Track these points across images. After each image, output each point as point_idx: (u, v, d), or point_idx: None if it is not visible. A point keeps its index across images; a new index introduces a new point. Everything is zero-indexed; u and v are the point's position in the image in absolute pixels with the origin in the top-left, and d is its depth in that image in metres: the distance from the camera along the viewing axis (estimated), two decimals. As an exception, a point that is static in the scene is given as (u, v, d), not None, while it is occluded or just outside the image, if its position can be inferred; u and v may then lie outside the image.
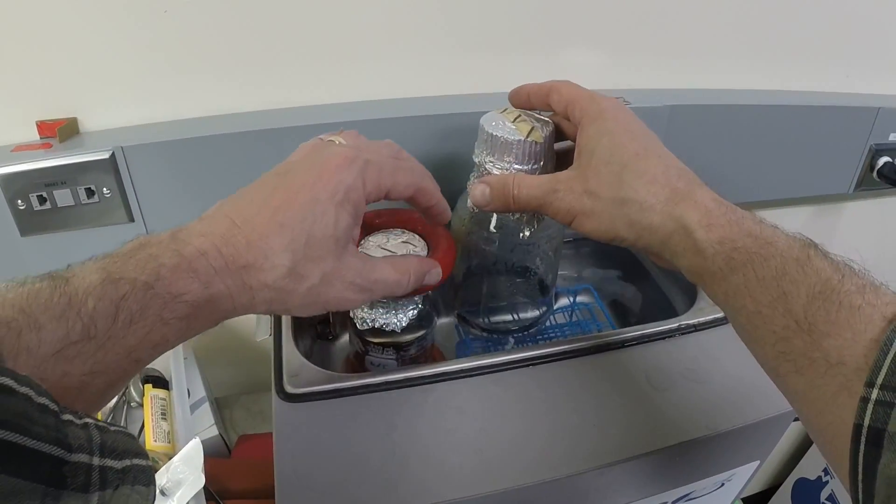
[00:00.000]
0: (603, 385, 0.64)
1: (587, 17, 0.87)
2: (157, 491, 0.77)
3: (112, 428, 0.35)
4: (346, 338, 0.82)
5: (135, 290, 0.41)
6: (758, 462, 0.73)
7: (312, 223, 0.48)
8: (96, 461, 0.32)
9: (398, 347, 0.68)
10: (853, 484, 0.38)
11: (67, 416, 0.32)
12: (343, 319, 0.75)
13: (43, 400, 0.31)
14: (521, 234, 0.65)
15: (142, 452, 0.37)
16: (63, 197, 0.75)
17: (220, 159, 0.78)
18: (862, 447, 0.38)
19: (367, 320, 0.66)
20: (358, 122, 0.79)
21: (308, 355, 0.66)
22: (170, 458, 0.76)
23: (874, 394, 0.37)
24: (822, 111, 1.03)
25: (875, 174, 1.12)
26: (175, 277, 0.43)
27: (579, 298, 0.92)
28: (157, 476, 0.76)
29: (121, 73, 0.76)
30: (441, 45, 0.84)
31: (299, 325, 0.71)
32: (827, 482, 1.69)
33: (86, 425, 0.33)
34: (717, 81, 1.00)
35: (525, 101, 0.64)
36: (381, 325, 0.65)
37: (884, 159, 1.10)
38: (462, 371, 0.64)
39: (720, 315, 0.72)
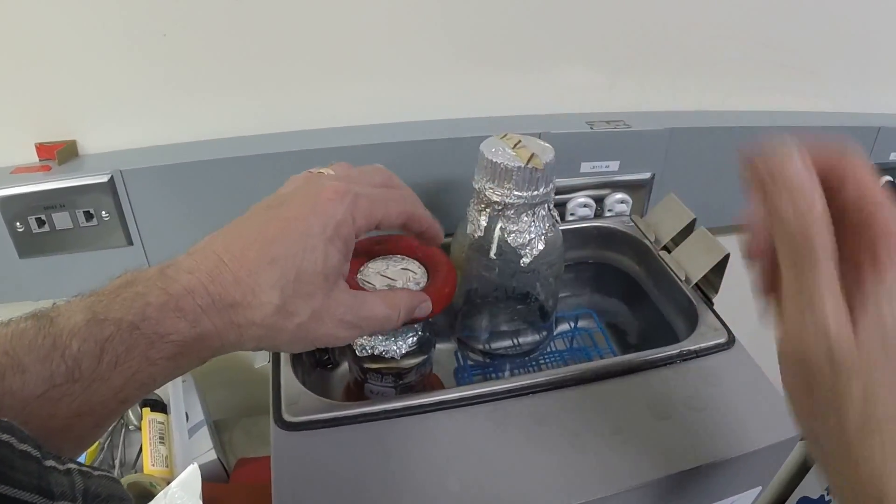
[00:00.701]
0: (603, 414, 0.63)
1: (586, 38, 0.87)
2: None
3: (96, 473, 0.35)
4: (345, 366, 0.82)
5: (120, 330, 0.40)
6: (759, 488, 0.72)
7: (302, 259, 0.48)
8: None
9: (398, 374, 0.67)
10: None
11: (50, 463, 0.32)
12: (342, 347, 0.75)
13: (25, 447, 0.31)
14: (522, 261, 0.65)
15: (126, 497, 0.37)
16: (62, 220, 0.75)
17: (219, 183, 0.78)
18: None
19: (367, 347, 0.65)
20: (357, 146, 0.79)
21: (306, 383, 0.65)
22: (168, 483, 0.75)
23: None
24: (822, 131, 1.03)
25: (876, 194, 1.11)
26: (162, 317, 0.42)
27: (580, 323, 0.92)
28: (155, 502, 0.76)
29: (120, 96, 0.76)
30: (438, 68, 0.84)
31: (298, 353, 0.70)
32: (829, 501, 1.68)
33: (69, 471, 0.33)
34: (717, 102, 1.00)
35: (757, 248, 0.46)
36: (381, 353, 0.65)
37: (885, 178, 1.10)
38: (461, 400, 0.63)
39: (722, 340, 0.72)
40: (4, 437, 0.30)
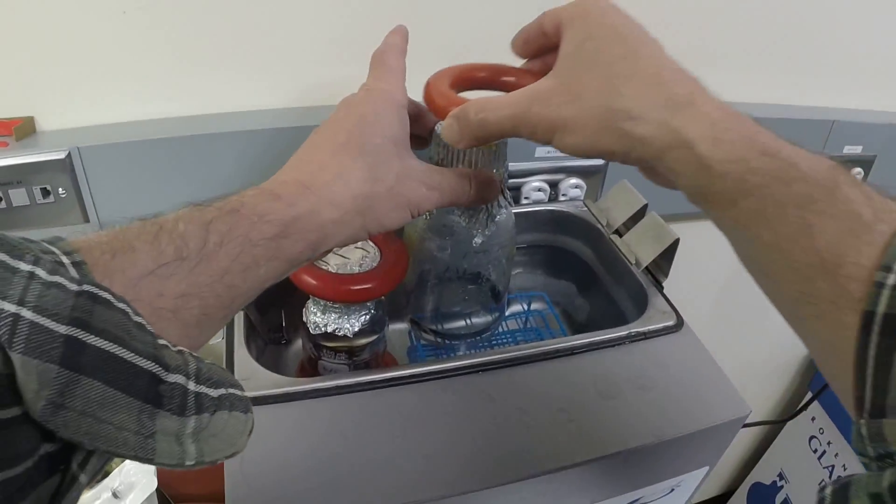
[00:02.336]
0: (551, 392, 0.65)
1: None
2: (110, 494, 0.77)
3: (207, 360, 0.35)
4: (299, 344, 0.83)
5: (222, 214, 0.41)
6: (707, 468, 0.74)
7: (370, 134, 0.51)
8: (192, 386, 0.32)
9: (350, 352, 0.68)
10: (859, 380, 0.35)
11: (163, 341, 0.32)
12: (296, 324, 0.75)
13: (139, 319, 0.31)
14: (474, 241, 0.66)
15: (237, 384, 0.37)
16: (19, 196, 0.75)
17: (177, 161, 0.78)
18: (874, 337, 0.34)
19: (320, 325, 0.66)
20: (312, 126, 0.80)
21: (260, 360, 0.66)
22: (123, 461, 0.76)
23: (891, 279, 0.34)
24: (775, 123, 1.03)
25: (829, 186, 1.13)
26: (258, 202, 0.43)
27: (533, 305, 0.93)
28: (109, 479, 0.76)
29: (78, 74, 0.76)
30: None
31: (252, 330, 0.71)
32: (782, 486, 1.72)
33: (181, 352, 0.33)
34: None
35: (522, 45, 0.57)
36: (334, 330, 0.66)
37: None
38: (412, 376, 0.64)
39: (670, 323, 0.73)
40: (121, 305, 0.30)
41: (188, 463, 0.32)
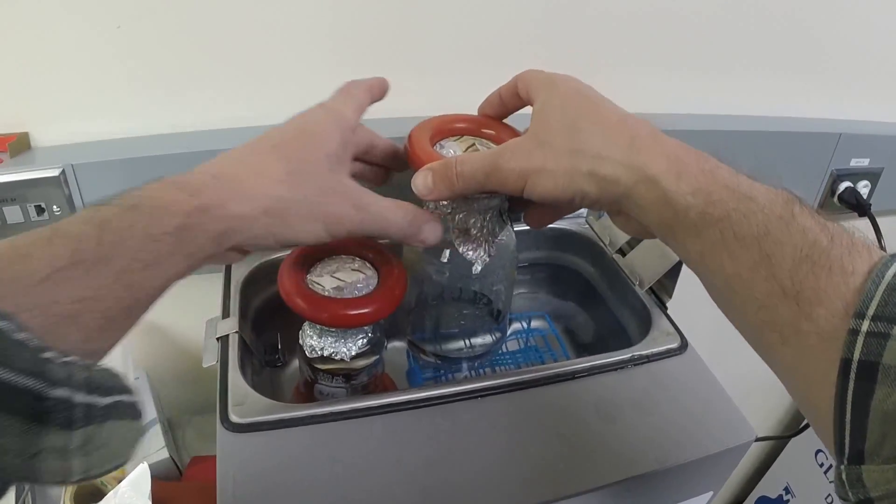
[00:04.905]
0: (552, 418, 0.63)
1: (542, 42, 0.87)
2: None
3: (96, 367, 0.34)
4: (295, 366, 0.81)
5: (120, 211, 0.40)
6: (710, 493, 0.73)
7: (305, 143, 0.51)
8: (80, 398, 0.31)
9: (348, 375, 0.67)
10: (839, 425, 0.36)
11: (49, 354, 0.31)
12: (292, 346, 0.74)
13: (22, 335, 0.30)
14: (473, 268, 0.64)
15: (128, 389, 0.36)
16: (13, 213, 0.74)
17: (172, 179, 0.77)
18: (851, 383, 0.36)
19: (317, 348, 0.65)
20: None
21: (255, 383, 0.65)
22: (119, 482, 0.75)
23: (865, 325, 0.36)
24: (783, 136, 1.03)
25: (836, 199, 1.13)
26: (161, 193, 0.42)
27: (534, 324, 0.92)
28: (105, 501, 0.75)
29: (72, 90, 0.75)
30: (405, 65, 0.84)
31: (247, 352, 0.70)
32: (788, 501, 1.70)
33: (68, 363, 0.32)
34: (675, 106, 1.00)
35: (498, 103, 0.62)
36: (331, 354, 0.65)
37: (845, 184, 1.11)
38: (410, 402, 0.63)
39: (674, 345, 0.72)
40: (2, 324, 0.29)
41: (73, 479, 0.32)
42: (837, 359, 0.37)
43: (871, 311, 0.36)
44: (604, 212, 0.95)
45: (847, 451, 0.36)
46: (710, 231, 0.43)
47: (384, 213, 0.54)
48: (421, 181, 0.55)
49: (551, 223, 0.61)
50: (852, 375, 0.36)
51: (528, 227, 0.71)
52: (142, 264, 0.40)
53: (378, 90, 0.61)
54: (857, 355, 0.36)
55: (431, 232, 0.57)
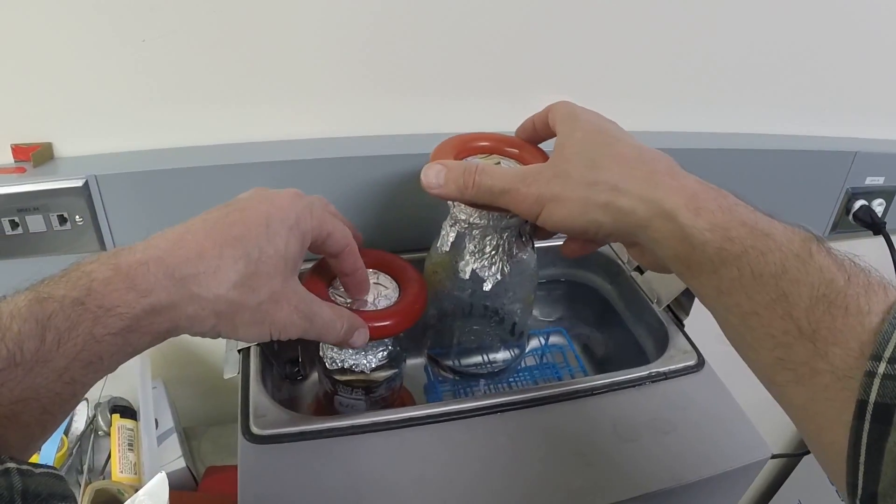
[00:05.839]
0: (569, 434, 0.64)
1: (550, 63, 0.88)
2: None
3: (38, 471, 0.34)
4: (315, 377, 0.82)
5: (63, 307, 0.39)
6: (726, 510, 0.73)
7: (266, 242, 0.48)
8: None
9: (367, 388, 0.67)
10: (852, 466, 0.36)
11: None
12: (312, 359, 0.75)
13: None
14: (484, 286, 0.65)
15: (69, 495, 0.36)
16: (35, 223, 0.75)
17: (194, 192, 0.78)
18: (867, 425, 0.36)
19: (337, 360, 0.65)
20: (333, 159, 0.79)
21: (276, 395, 0.65)
22: (136, 491, 0.75)
23: (881, 368, 0.36)
24: (798, 155, 1.03)
25: (851, 217, 1.12)
26: (107, 290, 0.41)
27: (552, 340, 0.92)
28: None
29: (97, 101, 0.75)
30: (413, 87, 0.84)
31: (268, 364, 0.70)
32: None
33: (7, 471, 0.32)
34: (692, 125, 1.00)
35: (531, 129, 0.63)
36: (351, 366, 0.65)
37: (860, 202, 1.11)
38: (429, 416, 0.63)
39: (691, 363, 0.72)
40: None
41: None
42: (852, 399, 0.37)
43: (888, 353, 0.36)
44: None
45: (860, 492, 0.36)
46: (728, 268, 0.43)
47: (326, 323, 0.55)
48: (433, 174, 0.56)
49: (583, 254, 0.60)
50: (868, 417, 0.36)
51: (545, 245, 0.72)
52: (82, 363, 0.40)
53: (342, 238, 0.58)
54: (873, 397, 0.36)
55: (360, 338, 0.59)
